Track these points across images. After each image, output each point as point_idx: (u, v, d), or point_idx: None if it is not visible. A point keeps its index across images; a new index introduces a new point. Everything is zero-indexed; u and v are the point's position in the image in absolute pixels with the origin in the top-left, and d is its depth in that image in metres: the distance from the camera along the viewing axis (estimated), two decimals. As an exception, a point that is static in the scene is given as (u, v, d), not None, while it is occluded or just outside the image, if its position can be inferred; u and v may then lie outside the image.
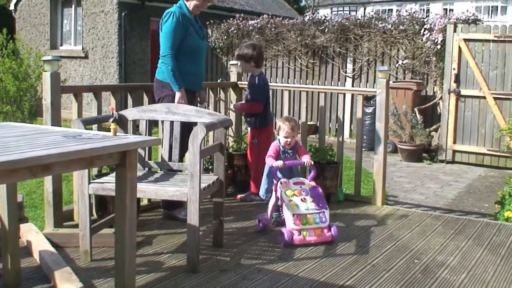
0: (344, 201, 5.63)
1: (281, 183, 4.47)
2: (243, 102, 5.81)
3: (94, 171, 4.57)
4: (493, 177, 8.39)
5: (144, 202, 5.11)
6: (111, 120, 3.33)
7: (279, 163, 4.54)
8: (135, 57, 13.87)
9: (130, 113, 4.27)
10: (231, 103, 6.16)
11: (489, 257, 4.15)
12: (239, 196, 5.60)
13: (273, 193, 4.57)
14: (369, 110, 9.88)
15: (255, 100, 5.50)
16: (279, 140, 4.83)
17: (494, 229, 4.87)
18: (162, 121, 4.50)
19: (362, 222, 4.95)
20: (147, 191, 3.82)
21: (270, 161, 4.66)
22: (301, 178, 4.65)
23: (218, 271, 3.76)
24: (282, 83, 12.10)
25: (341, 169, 5.72)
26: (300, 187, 4.52)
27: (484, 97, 8.96)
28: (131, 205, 2.90)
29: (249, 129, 5.66)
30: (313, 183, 4.57)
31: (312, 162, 4.72)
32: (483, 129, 9.06)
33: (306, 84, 11.81)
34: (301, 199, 4.41)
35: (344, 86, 11.33)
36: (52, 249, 3.76)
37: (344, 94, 5.90)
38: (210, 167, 5.38)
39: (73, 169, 2.99)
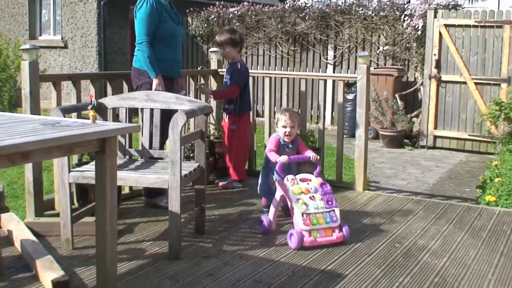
0: (326, 187, 5.64)
1: (287, 180, 4.15)
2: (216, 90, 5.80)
3: (75, 159, 4.54)
4: (474, 162, 8.46)
5: (126, 190, 5.09)
6: (89, 107, 3.30)
7: (284, 158, 4.22)
8: (114, 46, 13.76)
9: (110, 101, 4.24)
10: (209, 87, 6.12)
11: (470, 241, 4.19)
12: (220, 183, 5.60)
13: (277, 191, 4.25)
14: (350, 96, 9.90)
15: (235, 83, 5.50)
16: (277, 132, 4.50)
17: (475, 213, 4.91)
18: (142, 109, 4.47)
19: (343, 207, 4.97)
20: (128, 179, 3.80)
21: (273, 156, 4.29)
22: (308, 175, 4.30)
23: (200, 257, 3.76)
24: (263, 70, 12.07)
25: (322, 155, 5.73)
26: (308, 184, 4.19)
27: (465, 83, 9.02)
28: (112, 192, 2.89)
29: (226, 116, 5.64)
30: (320, 180, 4.25)
31: (318, 157, 4.45)
32: (464, 114, 9.13)
33: (287, 71, 11.80)
34: (310, 197, 4.09)
35: (325, 73, 11.34)
36: (34, 238, 3.73)
37: (325, 81, 5.90)
38: (191, 154, 5.36)
39: (52, 157, 2.97)
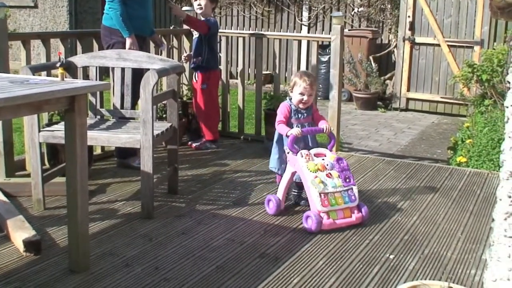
0: (299, 147, 5.66)
1: (302, 155, 3.76)
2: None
3: (45, 120, 4.48)
4: (446, 124, 8.55)
5: (97, 151, 5.06)
6: (58, 64, 3.23)
7: (296, 130, 3.80)
8: (85, 5, 13.46)
9: (80, 59, 4.17)
10: (185, 51, 6.06)
11: (440, 200, 4.26)
12: (194, 144, 5.58)
13: (288, 168, 3.88)
14: (324, 59, 9.88)
15: (205, 22, 5.43)
16: (289, 99, 4.01)
17: (446, 173, 4.99)
18: (113, 68, 4.40)
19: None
20: (99, 138, 3.77)
21: (283, 129, 3.86)
22: (322, 149, 3.92)
23: (173, 216, 3.77)
24: (237, 30, 11.94)
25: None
26: (323, 159, 3.79)
27: (438, 45, 9.04)
28: (82, 151, 2.85)
29: (196, 75, 5.58)
30: (336, 155, 3.89)
31: (332, 128, 4.12)
32: (437, 76, 9.17)
33: (261, 31, 11.69)
34: (327, 175, 3.70)
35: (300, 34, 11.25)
36: (5, 199, 3.70)
37: (299, 41, 5.86)
38: (164, 115, 5.32)
39: (21, 115, 2.93)
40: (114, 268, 3.02)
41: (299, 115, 3.98)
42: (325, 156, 3.84)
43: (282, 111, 3.95)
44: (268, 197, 3.93)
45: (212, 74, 5.55)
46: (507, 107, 1.26)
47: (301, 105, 3.95)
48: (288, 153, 3.86)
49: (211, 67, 5.52)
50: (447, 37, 8.95)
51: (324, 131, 3.95)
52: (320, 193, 3.61)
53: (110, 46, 4.62)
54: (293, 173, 3.84)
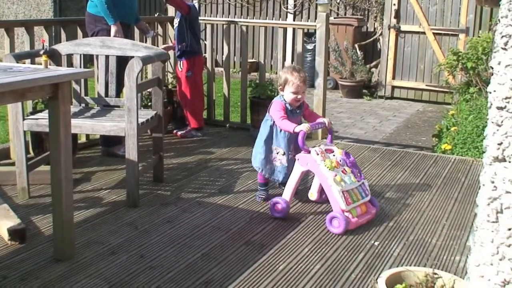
0: (285, 135, 5.66)
1: (317, 153, 3.52)
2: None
3: (29, 108, 4.44)
4: (431, 112, 8.59)
5: (82, 139, 5.03)
6: (42, 52, 3.20)
7: (305, 126, 3.58)
8: (70, -7, 13.34)
9: (64, 47, 4.13)
10: (170, 40, 6.02)
11: (425, 187, 4.29)
12: (179, 132, 5.56)
13: (296, 167, 3.62)
14: (310, 46, 9.86)
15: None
16: (282, 96, 3.76)
17: (431, 160, 5.01)
18: (97, 56, 4.37)
19: (302, 155, 5.01)
20: (84, 126, 3.74)
21: (289, 125, 3.60)
22: (329, 144, 3.74)
23: (159, 205, 3.76)
24: (222, 18, 11.89)
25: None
26: (334, 155, 3.61)
27: (423, 33, 9.06)
28: (66, 139, 2.83)
29: (180, 63, 5.54)
30: (341, 150, 3.72)
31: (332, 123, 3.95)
32: (422, 64, 9.20)
33: (247, 19, 11.64)
34: (342, 171, 3.54)
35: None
36: (-12, 188, 3.67)
37: (285, 29, 5.84)
38: (149, 103, 5.29)
39: (5, 102, 2.90)
40: (99, 256, 3.01)
41: (294, 114, 3.77)
42: (333, 151, 3.64)
43: (278, 107, 3.70)
44: (275, 199, 3.63)
45: (196, 60, 5.52)
46: (490, 93, 1.26)
47: (295, 104, 3.76)
48: (283, 154, 3.73)
49: (196, 51, 5.48)
50: (432, 25, 8.97)
51: (327, 125, 3.79)
52: (342, 191, 3.44)
53: (94, 34, 4.59)
54: (303, 173, 3.62)
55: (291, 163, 3.74)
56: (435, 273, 2.44)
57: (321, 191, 3.74)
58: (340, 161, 3.58)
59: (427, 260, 3.11)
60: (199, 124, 5.58)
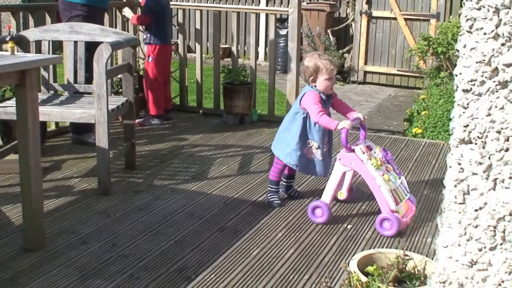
0: (258, 121, 5.66)
1: (362, 151, 3.27)
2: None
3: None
4: (403, 97, 8.65)
5: (52, 127, 4.96)
6: (8, 38, 3.14)
7: (347, 123, 3.30)
8: (39, -21, 13.11)
9: (31, 33, 4.05)
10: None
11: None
12: (137, 120, 5.40)
13: (337, 168, 3.37)
14: (283, 32, 9.85)
15: (144, 13, 5.36)
16: (313, 86, 3.45)
17: (402, 144, 5.06)
18: (67, 42, 4.30)
19: (275, 141, 5.01)
20: (52, 114, 3.68)
21: (331, 122, 3.32)
22: (368, 141, 3.49)
23: (131, 192, 3.73)
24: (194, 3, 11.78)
25: (254, 89, 5.72)
26: (375, 153, 3.37)
27: (395, 18, 9.09)
28: (34, 127, 2.79)
29: (145, 48, 5.47)
30: (379, 146, 3.49)
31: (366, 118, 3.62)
32: (393, 50, 9.25)
33: (219, 4, 11.56)
34: (386, 169, 3.32)
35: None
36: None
37: (257, 15, 5.82)
38: (119, 90, 5.23)
39: (-31, 91, 2.84)
40: (70, 245, 2.98)
41: (326, 104, 3.48)
42: (372, 149, 3.39)
43: (315, 100, 3.37)
44: (314, 203, 3.37)
45: (159, 49, 5.39)
46: (456, 75, 1.27)
47: (330, 91, 3.47)
48: (318, 148, 3.49)
49: (158, 43, 5.37)
50: (403, 11, 9.01)
51: (362, 119, 3.52)
52: (391, 191, 3.23)
53: (70, 20, 4.50)
54: (344, 174, 3.42)
55: (325, 156, 3.56)
56: (406, 255, 2.47)
57: (350, 190, 3.64)
58: (382, 158, 3.34)
59: (398, 242, 3.14)
60: (157, 111, 5.44)
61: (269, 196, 3.63)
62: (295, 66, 5.42)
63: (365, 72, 9.47)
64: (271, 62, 5.71)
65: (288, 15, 5.40)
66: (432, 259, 2.78)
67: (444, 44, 7.17)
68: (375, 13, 9.22)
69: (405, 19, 8.98)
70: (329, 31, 9.89)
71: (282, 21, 9.81)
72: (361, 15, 9.29)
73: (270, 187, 3.65)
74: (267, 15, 9.47)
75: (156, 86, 5.44)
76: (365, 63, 9.42)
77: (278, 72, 8.50)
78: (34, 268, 2.73)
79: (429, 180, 4.13)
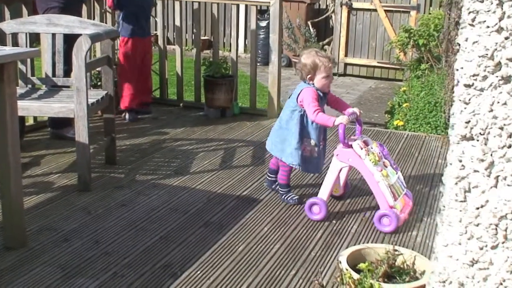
0: (239, 114, 5.60)
1: (360, 147, 3.22)
2: None
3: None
4: (383, 89, 8.66)
5: (30, 122, 4.85)
6: (-16, 31, 3.04)
7: (344, 119, 3.22)
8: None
9: (8, 26, 3.94)
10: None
11: (379, 163, 4.30)
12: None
13: (334, 163, 3.32)
14: (263, 24, 9.79)
15: None
16: (311, 84, 3.38)
17: (384, 137, 5.05)
18: (44, 35, 4.20)
19: (257, 134, 4.97)
20: (31, 108, 3.59)
21: (327, 119, 3.25)
22: (364, 136, 3.42)
23: (112, 188, 3.66)
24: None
25: (236, 82, 5.66)
26: (372, 148, 3.31)
27: (375, 10, 9.09)
28: (12, 122, 2.70)
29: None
30: (376, 141, 3.45)
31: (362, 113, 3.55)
32: (374, 42, 9.25)
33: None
34: (384, 164, 3.28)
35: None
36: None
37: (237, 6, 5.75)
38: (99, 83, 5.13)
39: None
40: (52, 243, 2.91)
41: (322, 101, 3.41)
42: (369, 144, 3.33)
43: (312, 97, 3.31)
44: (311, 200, 3.32)
45: (127, 41, 5.21)
46: (457, 70, 1.23)
47: (327, 88, 3.43)
48: (315, 145, 3.44)
49: (126, 35, 5.19)
50: (383, 2, 9.01)
51: (358, 115, 3.43)
52: (390, 187, 3.19)
53: (46, 12, 4.39)
54: (341, 169, 3.35)
55: (322, 153, 3.53)
56: (396, 250, 2.45)
57: (345, 185, 3.60)
58: (379, 153, 3.30)
59: (384, 236, 3.12)
60: (125, 105, 5.28)
61: (284, 197, 3.53)
62: (277, 59, 5.38)
63: (346, 64, 9.47)
64: (253, 54, 5.65)
65: (268, 7, 5.34)
66: (419, 252, 2.76)
67: (425, 36, 7.17)
68: (355, 4, 9.21)
69: (386, 11, 8.98)
70: (309, 22, 9.87)
71: (262, 12, 9.76)
72: (341, 6, 9.27)
73: (281, 191, 3.55)
74: (247, 6, 9.42)
75: (124, 79, 5.26)
76: (346, 55, 9.42)
77: (258, 64, 8.44)
78: (16, 267, 2.66)
79: (412, 173, 4.12)
